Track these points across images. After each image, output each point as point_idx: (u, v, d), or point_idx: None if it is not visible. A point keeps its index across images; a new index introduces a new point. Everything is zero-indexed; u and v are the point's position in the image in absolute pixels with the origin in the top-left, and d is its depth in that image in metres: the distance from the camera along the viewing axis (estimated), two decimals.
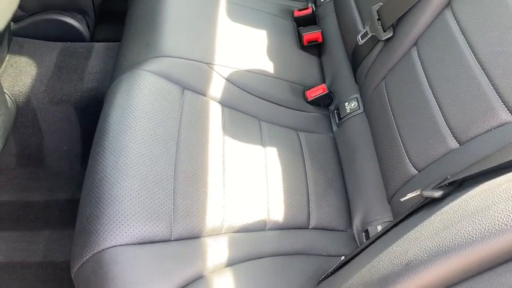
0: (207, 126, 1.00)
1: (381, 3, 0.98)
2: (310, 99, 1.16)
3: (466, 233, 0.50)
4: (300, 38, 1.30)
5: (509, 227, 0.47)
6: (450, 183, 0.63)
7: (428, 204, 0.65)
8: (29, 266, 1.16)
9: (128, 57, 1.14)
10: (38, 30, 1.35)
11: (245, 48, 1.20)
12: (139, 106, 0.95)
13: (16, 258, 1.17)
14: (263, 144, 1.02)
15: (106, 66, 1.29)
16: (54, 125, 1.26)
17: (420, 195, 0.64)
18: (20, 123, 1.25)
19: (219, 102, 1.07)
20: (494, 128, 0.68)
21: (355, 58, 1.08)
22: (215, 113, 1.04)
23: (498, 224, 0.48)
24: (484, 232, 0.49)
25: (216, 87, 1.09)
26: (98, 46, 1.35)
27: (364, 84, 1.05)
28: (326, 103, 1.17)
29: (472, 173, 0.60)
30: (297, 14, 1.37)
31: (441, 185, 0.63)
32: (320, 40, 1.29)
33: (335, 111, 1.15)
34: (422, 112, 0.82)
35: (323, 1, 1.41)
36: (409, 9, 0.91)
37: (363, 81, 1.06)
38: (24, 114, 1.23)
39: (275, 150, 1.02)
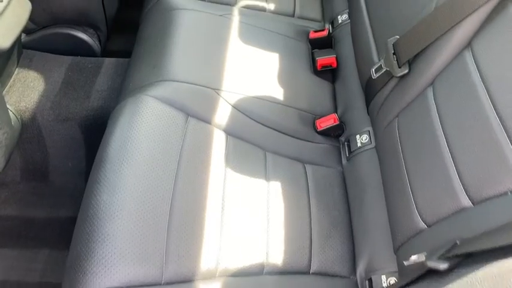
0: (208, 157, 0.96)
1: (397, 37, 0.93)
2: (320, 129, 1.11)
3: None
4: (313, 61, 1.25)
5: None
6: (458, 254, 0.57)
7: (433, 274, 0.60)
8: (26, 285, 1.14)
9: (135, 78, 1.12)
10: (48, 43, 1.34)
11: (255, 73, 1.16)
12: (140, 136, 0.92)
13: (13, 277, 1.15)
14: (267, 178, 0.98)
15: (114, 83, 1.27)
16: (59, 142, 1.25)
17: (424, 264, 0.59)
18: (24, 138, 1.23)
19: (224, 131, 1.03)
20: (511, 192, 0.63)
21: (369, 90, 1.03)
22: (219, 143, 1.00)
23: None
24: None
25: (222, 115, 1.05)
26: (108, 62, 1.32)
27: (377, 120, 1.00)
28: (336, 134, 1.12)
29: (483, 247, 0.54)
30: (312, 35, 1.32)
31: (448, 255, 0.58)
32: (334, 65, 1.24)
33: (345, 143, 1.10)
34: (435, 161, 0.76)
35: (340, 23, 1.35)
36: (427, 46, 0.85)
37: (375, 116, 1.01)
38: (29, 130, 1.22)
39: (279, 185, 0.98)
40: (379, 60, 1.00)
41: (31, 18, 1.27)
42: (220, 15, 1.26)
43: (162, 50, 1.13)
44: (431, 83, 0.85)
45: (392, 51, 0.92)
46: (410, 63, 0.89)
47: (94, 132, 1.23)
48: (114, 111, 1.02)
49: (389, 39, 0.94)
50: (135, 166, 0.87)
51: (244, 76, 1.14)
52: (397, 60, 0.91)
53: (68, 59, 1.32)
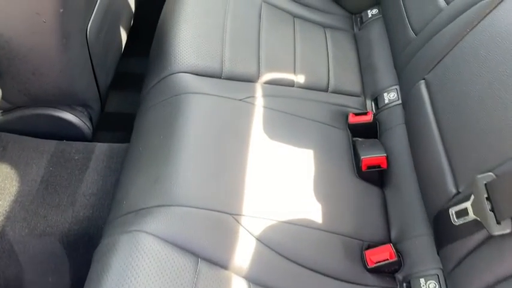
0: None
1: (492, 175, 0.66)
2: (371, 266, 0.84)
3: None
4: (356, 157, 0.99)
5: None
6: None
7: None
8: None
9: (130, 193, 0.87)
10: (28, 124, 1.09)
11: (284, 185, 0.90)
12: None
13: None
14: None
15: (105, 183, 1.01)
16: (35, 257, 0.99)
17: None
18: None
19: (245, 278, 0.77)
20: None
21: (441, 230, 0.76)
22: None
23: None
24: None
25: (243, 253, 0.79)
26: (99, 151, 1.07)
27: (454, 275, 0.73)
28: (392, 269, 0.86)
29: None
30: (352, 119, 1.06)
31: None
32: (384, 166, 0.98)
33: (404, 284, 0.83)
34: None
35: (387, 103, 1.09)
36: None
37: (451, 268, 0.74)
38: None
39: None
40: (458, 192, 0.74)
41: (5, 98, 1.03)
42: (240, 100, 1.00)
43: (166, 156, 0.87)
44: None
45: (486, 195, 0.66)
46: None
47: (79, 248, 0.98)
48: (100, 251, 0.77)
49: (479, 176, 0.67)
50: None
51: (271, 191, 0.88)
52: (493, 210, 0.65)
53: (50, 145, 1.07)
